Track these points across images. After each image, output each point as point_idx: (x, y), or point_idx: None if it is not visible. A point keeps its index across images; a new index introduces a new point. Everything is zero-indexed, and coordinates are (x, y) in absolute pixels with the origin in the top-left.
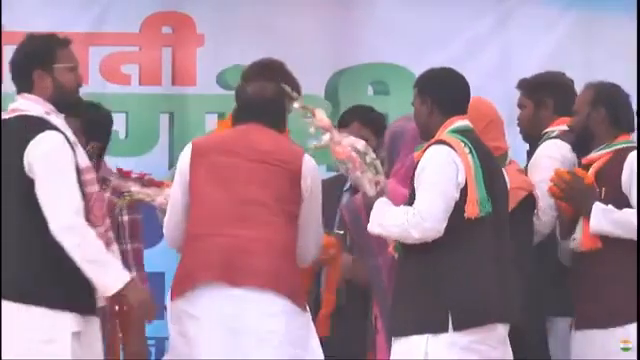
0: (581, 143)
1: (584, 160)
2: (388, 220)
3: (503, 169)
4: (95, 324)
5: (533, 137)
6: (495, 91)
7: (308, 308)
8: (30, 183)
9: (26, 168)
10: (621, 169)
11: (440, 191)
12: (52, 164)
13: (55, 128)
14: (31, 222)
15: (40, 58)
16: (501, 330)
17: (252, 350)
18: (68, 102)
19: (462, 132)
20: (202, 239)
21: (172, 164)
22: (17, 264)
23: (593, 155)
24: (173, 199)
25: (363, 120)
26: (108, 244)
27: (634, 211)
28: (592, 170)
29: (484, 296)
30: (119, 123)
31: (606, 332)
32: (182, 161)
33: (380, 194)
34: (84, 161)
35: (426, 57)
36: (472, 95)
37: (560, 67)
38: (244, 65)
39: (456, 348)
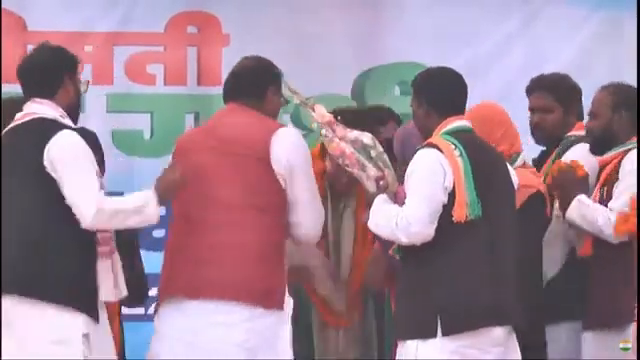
0: (601, 145)
1: (600, 161)
2: (382, 220)
3: (511, 168)
4: (100, 328)
5: (554, 140)
6: (521, 91)
7: (290, 302)
8: (51, 181)
9: (47, 167)
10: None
11: (426, 195)
12: (73, 160)
13: (72, 128)
14: (49, 220)
15: (70, 64)
16: (498, 333)
17: None
18: (77, 110)
19: (457, 133)
20: (171, 251)
21: None
22: (33, 261)
23: (607, 156)
24: None
25: (399, 120)
26: (112, 252)
27: (603, 209)
28: (605, 172)
29: (474, 300)
30: (144, 123)
31: (618, 331)
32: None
33: (382, 190)
34: (95, 166)
35: (453, 57)
36: (500, 94)
37: (586, 67)
38: None
39: (445, 353)
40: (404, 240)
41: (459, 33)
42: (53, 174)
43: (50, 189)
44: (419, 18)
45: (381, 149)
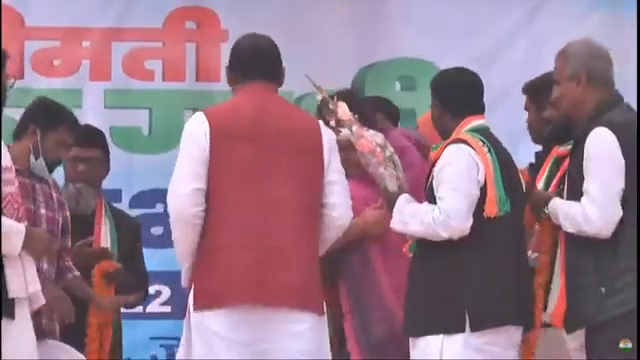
0: (562, 134)
1: (554, 152)
2: (412, 218)
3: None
4: (16, 324)
5: (538, 138)
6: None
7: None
8: None
9: None
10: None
11: (463, 189)
12: None
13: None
14: None
15: None
16: (514, 332)
17: None
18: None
19: (479, 131)
20: (227, 252)
21: None
22: None
23: (564, 149)
24: (187, 183)
25: (386, 112)
26: None
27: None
28: (563, 167)
29: (502, 297)
30: (142, 119)
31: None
32: (199, 138)
33: (400, 190)
34: (6, 159)
35: (453, 53)
36: (501, 90)
37: None
38: None
39: (469, 349)
40: (443, 235)
41: (460, 29)
42: None
43: None
44: (420, 14)
45: (392, 149)
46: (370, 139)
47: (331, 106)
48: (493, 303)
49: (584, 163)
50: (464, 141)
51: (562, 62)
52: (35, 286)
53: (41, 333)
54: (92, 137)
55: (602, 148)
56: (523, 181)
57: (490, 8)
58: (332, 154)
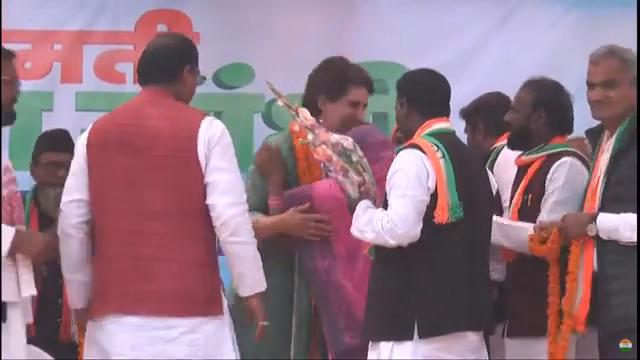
0: (518, 141)
1: (517, 162)
2: (366, 226)
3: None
4: (8, 327)
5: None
6: (496, 90)
7: (225, 304)
8: None
9: None
10: (546, 176)
11: (411, 196)
12: None
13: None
14: None
15: None
16: (472, 338)
17: None
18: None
19: (439, 135)
20: (103, 263)
21: None
22: None
23: (526, 157)
24: (66, 195)
25: None
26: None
27: (525, 226)
28: (527, 177)
29: (452, 304)
30: None
31: (537, 341)
32: (79, 149)
33: (365, 195)
34: (4, 161)
35: (425, 56)
36: (474, 93)
37: (562, 65)
38: (240, 63)
39: (418, 355)
40: (391, 242)
41: (433, 32)
42: None
43: None
44: (392, 16)
45: (361, 153)
46: (328, 146)
47: (292, 112)
48: (442, 310)
49: None
50: (417, 146)
51: (620, 66)
52: (30, 291)
53: None
54: (64, 141)
55: None
56: (494, 184)
57: (463, 11)
58: (212, 153)
